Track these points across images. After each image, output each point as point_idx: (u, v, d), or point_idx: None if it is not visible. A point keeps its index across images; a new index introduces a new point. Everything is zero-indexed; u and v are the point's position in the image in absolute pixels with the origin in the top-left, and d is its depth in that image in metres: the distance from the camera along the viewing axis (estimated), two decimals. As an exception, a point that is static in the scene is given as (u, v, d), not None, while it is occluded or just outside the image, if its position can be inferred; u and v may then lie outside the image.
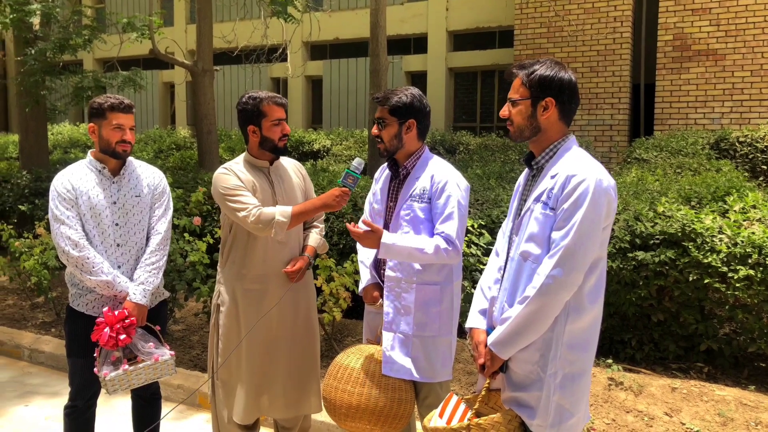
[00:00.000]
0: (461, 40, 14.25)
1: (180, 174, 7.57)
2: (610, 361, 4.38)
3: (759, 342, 4.23)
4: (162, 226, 3.18)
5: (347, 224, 2.78)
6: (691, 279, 4.24)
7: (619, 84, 10.97)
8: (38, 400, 4.58)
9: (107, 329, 2.83)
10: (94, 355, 2.93)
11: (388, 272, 2.89)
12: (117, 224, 3.07)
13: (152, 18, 8.53)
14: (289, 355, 3.18)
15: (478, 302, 2.41)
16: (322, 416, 3.79)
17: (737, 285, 4.09)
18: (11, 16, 7.77)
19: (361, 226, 2.76)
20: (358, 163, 2.89)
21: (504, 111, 2.30)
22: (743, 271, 4.06)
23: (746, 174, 7.66)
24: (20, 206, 7.24)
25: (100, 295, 3.04)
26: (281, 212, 2.95)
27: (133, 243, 3.11)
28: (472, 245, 4.79)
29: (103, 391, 3.03)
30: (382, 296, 2.95)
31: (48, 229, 5.78)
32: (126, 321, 2.88)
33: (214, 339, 3.22)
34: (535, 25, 11.52)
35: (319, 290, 4.43)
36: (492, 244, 4.79)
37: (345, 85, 15.10)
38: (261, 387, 3.13)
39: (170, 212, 3.25)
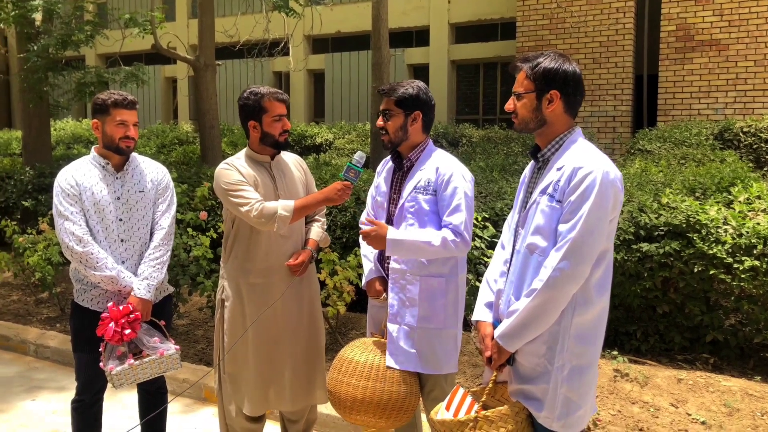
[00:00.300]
0: (463, 33, 14.21)
1: (183, 169, 7.58)
2: (615, 352, 4.38)
3: (765, 332, 4.23)
4: (166, 221, 3.18)
5: (361, 227, 2.78)
6: (696, 270, 4.23)
7: (621, 75, 10.93)
8: (45, 395, 4.60)
9: (112, 324, 2.84)
10: (100, 350, 2.94)
11: (392, 264, 2.89)
12: (121, 220, 3.07)
13: (154, 13, 8.51)
14: (294, 348, 3.19)
15: (485, 295, 2.41)
16: (328, 409, 3.80)
17: (742, 276, 4.08)
18: (13, 13, 7.76)
19: (364, 226, 2.77)
20: (359, 156, 2.89)
21: (509, 104, 2.30)
22: (748, 262, 4.05)
23: (750, 164, 7.63)
24: (24, 202, 7.26)
25: (105, 290, 3.04)
26: (283, 206, 2.95)
27: (137, 238, 3.11)
28: (477, 238, 4.78)
29: (109, 385, 3.05)
30: (385, 289, 2.95)
31: (52, 224, 5.79)
32: (131, 316, 2.89)
33: (219, 334, 3.23)
34: (538, 16, 11.49)
35: (322, 284, 4.44)
36: (496, 236, 4.79)
37: (347, 79, 15.07)
38: (268, 380, 3.15)
39: (174, 207, 3.26)
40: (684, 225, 4.32)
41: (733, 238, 4.16)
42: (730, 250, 4.16)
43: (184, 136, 12.71)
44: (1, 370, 5.08)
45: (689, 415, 3.72)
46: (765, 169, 8.05)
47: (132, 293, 2.99)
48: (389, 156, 3.09)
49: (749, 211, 4.44)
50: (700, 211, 4.38)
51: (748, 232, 4.14)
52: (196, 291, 4.99)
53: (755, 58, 9.90)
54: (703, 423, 3.63)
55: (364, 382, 2.77)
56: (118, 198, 3.08)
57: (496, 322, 2.30)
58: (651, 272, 4.39)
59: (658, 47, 10.61)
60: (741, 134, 8.45)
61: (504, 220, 4.83)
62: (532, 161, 2.39)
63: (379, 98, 2.98)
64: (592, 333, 2.17)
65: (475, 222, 4.84)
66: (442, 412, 2.32)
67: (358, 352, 2.90)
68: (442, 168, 2.84)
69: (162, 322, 3.07)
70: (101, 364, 2.91)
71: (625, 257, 4.41)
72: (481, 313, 2.38)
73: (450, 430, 2.21)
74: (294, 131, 11.59)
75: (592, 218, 2.04)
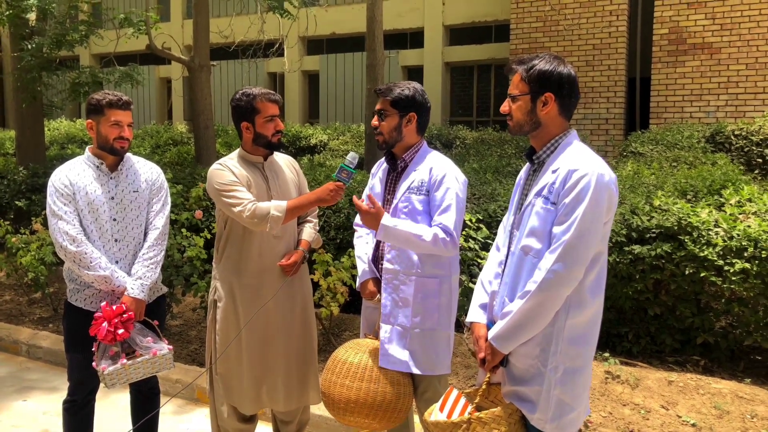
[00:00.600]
0: (457, 35, 14.23)
1: (177, 169, 7.57)
2: (606, 354, 4.40)
3: (755, 335, 4.25)
4: (160, 221, 3.18)
5: (354, 197, 2.79)
6: (687, 272, 4.25)
7: (614, 78, 10.98)
8: (37, 395, 4.58)
9: (105, 324, 2.84)
10: (93, 349, 2.94)
11: (386, 264, 2.90)
12: (115, 219, 3.07)
13: (149, 13, 8.50)
14: (287, 348, 3.20)
15: (479, 296, 2.42)
16: (321, 410, 3.80)
17: (733, 278, 4.10)
18: (7, 13, 7.73)
19: (365, 204, 2.77)
20: (352, 157, 2.90)
21: (504, 106, 2.31)
22: (739, 265, 4.08)
23: (742, 167, 7.67)
24: (17, 202, 7.23)
25: (98, 290, 3.04)
26: (276, 207, 2.96)
27: (131, 238, 3.11)
28: (470, 239, 4.80)
29: (102, 385, 3.04)
30: (379, 291, 2.96)
31: (45, 224, 5.77)
32: (124, 315, 2.88)
33: (211, 335, 3.23)
34: (531, 19, 11.53)
35: (316, 285, 4.44)
36: (489, 238, 4.80)
37: (342, 80, 15.07)
38: (261, 380, 3.15)
39: (168, 207, 3.26)
40: (675, 227, 4.35)
41: (724, 241, 4.19)
42: (721, 253, 4.18)
43: (179, 137, 12.69)
44: (-8, 371, 5.07)
45: (679, 417, 3.74)
46: (756, 171, 8.09)
47: (125, 293, 2.99)
48: (384, 157, 3.10)
49: (740, 213, 4.47)
50: (692, 213, 4.40)
51: (739, 235, 4.17)
52: (190, 291, 4.99)
53: (747, 62, 9.95)
54: (693, 425, 3.65)
55: (358, 383, 2.78)
56: (112, 198, 3.08)
57: (490, 324, 2.31)
58: (642, 274, 4.41)
59: (651, 50, 10.66)
60: (732, 137, 8.49)
61: (497, 221, 4.85)
62: (528, 163, 2.40)
63: (374, 99, 2.99)
64: (585, 335, 2.18)
65: (469, 223, 4.86)
66: (435, 414, 2.32)
67: (352, 353, 2.90)
68: (436, 169, 2.86)
69: (155, 322, 3.07)
70: (94, 363, 2.91)
71: (617, 259, 4.43)
72: (475, 315, 2.39)
73: (443, 431, 2.22)
74: (288, 132, 11.59)
75: (587, 221, 2.05)
